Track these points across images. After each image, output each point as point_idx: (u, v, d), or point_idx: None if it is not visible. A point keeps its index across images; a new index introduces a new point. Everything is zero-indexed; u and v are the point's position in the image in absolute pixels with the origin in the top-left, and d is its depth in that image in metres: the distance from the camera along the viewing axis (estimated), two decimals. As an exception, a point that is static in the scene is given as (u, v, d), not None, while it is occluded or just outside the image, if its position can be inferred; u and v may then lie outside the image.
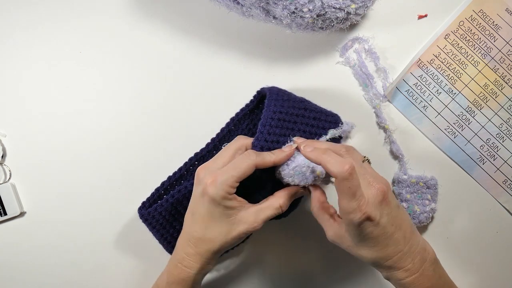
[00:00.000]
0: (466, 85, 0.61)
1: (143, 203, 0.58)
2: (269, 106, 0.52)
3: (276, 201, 0.48)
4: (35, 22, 0.60)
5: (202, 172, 0.47)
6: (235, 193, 0.47)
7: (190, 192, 0.51)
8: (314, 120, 0.54)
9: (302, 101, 0.55)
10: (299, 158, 0.48)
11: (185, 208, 0.51)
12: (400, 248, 0.45)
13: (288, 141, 0.51)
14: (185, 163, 0.58)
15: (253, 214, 0.47)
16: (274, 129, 0.51)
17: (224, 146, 0.52)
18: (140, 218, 0.56)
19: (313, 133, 0.53)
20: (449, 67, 0.60)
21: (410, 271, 0.45)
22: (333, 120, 0.55)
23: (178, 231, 0.54)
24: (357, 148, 0.61)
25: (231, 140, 0.51)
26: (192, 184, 0.51)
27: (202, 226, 0.47)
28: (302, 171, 0.48)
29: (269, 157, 0.47)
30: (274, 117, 0.51)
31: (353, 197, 0.42)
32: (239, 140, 0.50)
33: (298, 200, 0.55)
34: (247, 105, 0.59)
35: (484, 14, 0.60)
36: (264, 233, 0.58)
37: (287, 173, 0.48)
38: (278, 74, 0.61)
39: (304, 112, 0.53)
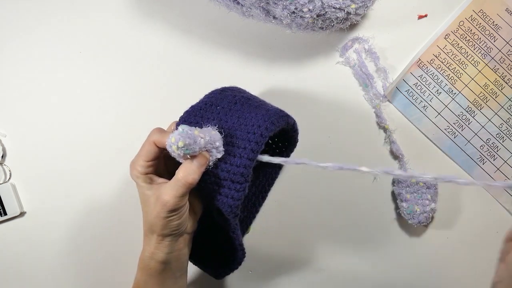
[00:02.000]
0: (466, 85, 0.61)
1: None
2: (206, 95, 0.51)
3: (178, 173, 0.45)
4: (35, 22, 0.60)
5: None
6: None
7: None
8: (249, 114, 0.48)
9: (246, 97, 0.51)
10: (201, 139, 0.44)
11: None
12: None
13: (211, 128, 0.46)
14: None
15: (167, 191, 0.45)
16: (197, 112, 0.49)
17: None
18: None
19: (242, 128, 0.48)
20: (449, 67, 0.60)
21: None
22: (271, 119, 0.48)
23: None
24: (357, 148, 0.61)
25: None
26: None
27: (143, 212, 0.48)
28: (195, 150, 0.44)
29: (167, 135, 0.45)
30: (203, 101, 0.50)
31: None
32: (152, 135, 0.48)
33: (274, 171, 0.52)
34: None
35: (484, 14, 0.60)
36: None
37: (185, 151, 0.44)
38: (278, 74, 0.61)
39: (240, 107, 0.49)
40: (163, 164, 0.50)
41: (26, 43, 0.60)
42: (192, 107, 0.51)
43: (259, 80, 0.61)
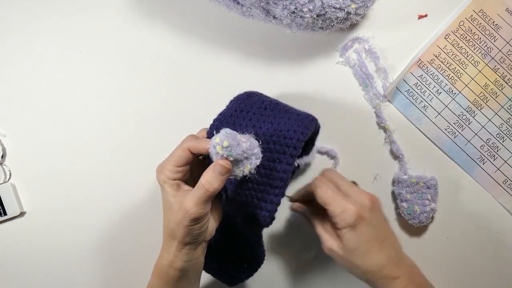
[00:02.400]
0: (466, 85, 0.61)
1: None
2: (232, 101, 0.51)
3: (201, 180, 0.45)
4: (35, 22, 0.60)
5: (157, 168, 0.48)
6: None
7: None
8: (281, 119, 0.49)
9: (274, 102, 0.52)
10: (244, 143, 0.44)
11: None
12: (391, 256, 0.47)
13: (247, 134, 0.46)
14: None
15: (189, 199, 0.45)
16: (228, 119, 0.49)
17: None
18: None
19: (273, 134, 0.49)
20: (449, 67, 0.60)
21: (404, 283, 0.47)
22: (304, 123, 0.49)
23: (210, 248, 0.52)
24: (357, 148, 0.61)
25: None
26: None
27: (164, 218, 0.47)
28: (237, 152, 0.43)
29: (205, 143, 0.45)
30: (232, 107, 0.50)
31: (338, 201, 0.46)
32: (186, 141, 0.47)
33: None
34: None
35: (484, 14, 0.59)
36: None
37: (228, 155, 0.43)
38: (278, 74, 0.61)
39: (270, 112, 0.50)
40: (189, 172, 0.49)
41: (26, 43, 0.60)
42: (222, 114, 0.51)
43: (259, 80, 0.61)
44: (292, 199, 0.55)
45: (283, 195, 0.48)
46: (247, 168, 0.45)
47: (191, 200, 0.44)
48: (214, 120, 0.51)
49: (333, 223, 0.48)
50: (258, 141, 0.46)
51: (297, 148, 0.48)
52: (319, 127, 0.54)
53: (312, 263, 0.62)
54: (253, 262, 0.55)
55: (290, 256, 0.62)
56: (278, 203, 0.47)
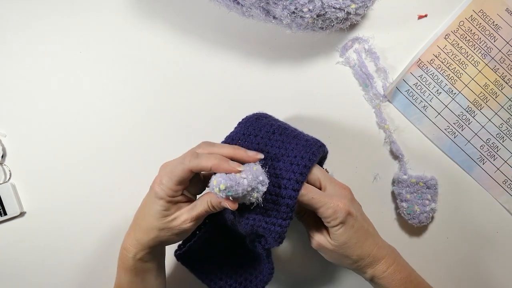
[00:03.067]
0: (466, 85, 0.61)
1: (179, 245, 0.55)
2: (241, 124, 0.51)
3: (205, 198, 0.47)
4: (35, 22, 0.60)
5: (162, 167, 0.48)
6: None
7: (219, 227, 0.53)
8: (289, 144, 0.49)
9: (283, 126, 0.51)
10: (244, 179, 0.44)
11: (219, 243, 0.54)
12: (376, 241, 0.50)
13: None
14: None
15: (186, 213, 0.47)
16: (236, 142, 0.49)
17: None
18: (178, 260, 0.55)
19: (282, 156, 0.49)
20: (449, 67, 0.60)
21: (388, 262, 0.50)
22: (311, 149, 0.49)
23: (217, 265, 0.55)
24: (357, 148, 0.61)
25: None
26: (220, 220, 0.53)
27: (142, 215, 0.49)
28: (237, 192, 0.44)
29: (206, 162, 0.44)
30: (240, 130, 0.50)
31: (326, 203, 0.47)
32: (197, 146, 0.48)
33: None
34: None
35: (484, 14, 0.59)
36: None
37: (226, 197, 0.44)
38: (278, 74, 0.61)
39: (279, 137, 0.49)
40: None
41: (26, 43, 0.60)
42: (229, 137, 0.50)
43: (259, 80, 0.61)
44: None
45: (291, 218, 0.48)
46: (254, 196, 0.45)
47: (189, 214, 0.47)
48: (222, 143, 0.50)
49: (320, 220, 0.49)
50: (264, 167, 0.46)
51: (304, 174, 0.47)
52: (327, 152, 0.53)
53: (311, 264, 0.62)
54: (261, 278, 0.55)
55: (290, 258, 0.63)
56: (287, 226, 0.47)
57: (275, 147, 0.49)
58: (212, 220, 0.54)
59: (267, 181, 0.45)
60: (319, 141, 0.50)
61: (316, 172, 0.49)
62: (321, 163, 0.55)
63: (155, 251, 0.50)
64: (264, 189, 0.45)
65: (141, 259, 0.49)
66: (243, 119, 0.51)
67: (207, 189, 0.47)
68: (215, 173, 0.45)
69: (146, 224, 0.48)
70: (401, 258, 0.52)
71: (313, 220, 0.51)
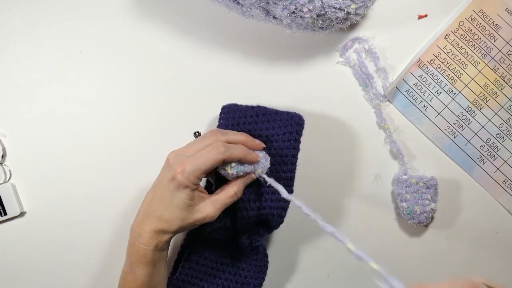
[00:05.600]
0: (466, 85, 0.61)
1: (171, 273, 0.57)
2: (225, 114, 0.54)
3: (231, 189, 0.50)
4: (35, 22, 0.60)
5: (173, 158, 0.49)
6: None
7: (204, 254, 0.55)
8: (274, 122, 0.53)
9: (262, 107, 0.55)
10: (255, 164, 0.50)
11: (207, 267, 0.55)
12: None
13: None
14: None
15: (210, 205, 0.49)
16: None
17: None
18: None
19: (269, 136, 0.53)
20: (449, 67, 0.60)
21: None
22: (292, 122, 0.54)
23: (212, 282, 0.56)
24: (357, 148, 0.61)
25: None
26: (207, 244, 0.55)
27: (161, 207, 0.48)
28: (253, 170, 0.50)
29: (237, 153, 0.48)
30: (227, 120, 0.54)
31: None
32: (214, 135, 0.50)
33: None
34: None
35: (484, 14, 0.59)
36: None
37: (236, 173, 0.50)
38: (278, 74, 0.61)
39: (263, 117, 0.53)
40: None
41: (26, 43, 0.60)
42: (220, 127, 0.54)
43: (259, 80, 0.61)
44: None
45: (292, 192, 0.52)
46: (258, 171, 0.50)
47: (214, 206, 0.49)
48: None
49: None
50: (265, 150, 0.51)
51: (296, 148, 0.52)
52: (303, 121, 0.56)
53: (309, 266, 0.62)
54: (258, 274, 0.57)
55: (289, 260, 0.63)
56: (289, 201, 0.50)
57: (264, 129, 0.53)
58: (199, 240, 0.55)
59: (268, 156, 0.51)
60: (296, 113, 0.54)
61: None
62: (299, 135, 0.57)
63: (170, 239, 0.50)
64: (268, 163, 0.51)
65: (160, 249, 0.49)
66: (223, 110, 0.54)
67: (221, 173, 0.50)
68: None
69: (169, 215, 0.47)
70: None
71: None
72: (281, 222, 0.53)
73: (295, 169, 0.53)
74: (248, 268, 0.56)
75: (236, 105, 0.54)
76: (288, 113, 0.54)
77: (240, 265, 0.56)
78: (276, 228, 0.55)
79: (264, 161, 0.50)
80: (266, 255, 0.56)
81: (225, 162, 0.49)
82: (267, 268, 0.56)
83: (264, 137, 0.53)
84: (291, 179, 0.53)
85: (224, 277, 0.56)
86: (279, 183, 0.50)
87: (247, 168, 0.49)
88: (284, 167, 0.52)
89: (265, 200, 0.52)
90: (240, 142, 0.50)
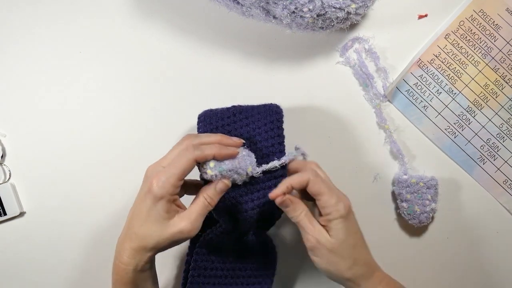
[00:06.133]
0: (466, 85, 0.61)
1: (182, 283, 0.57)
2: (202, 121, 0.53)
3: (201, 196, 0.47)
4: (35, 21, 0.60)
5: (150, 170, 0.48)
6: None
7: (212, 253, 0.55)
8: (252, 117, 0.52)
9: (236, 106, 0.54)
10: (238, 160, 0.48)
11: (216, 269, 0.55)
12: (369, 251, 0.50)
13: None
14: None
15: (185, 218, 0.46)
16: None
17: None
18: None
19: (250, 132, 0.52)
20: (450, 67, 0.60)
21: (381, 275, 0.50)
22: (270, 111, 0.53)
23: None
24: (357, 148, 0.61)
25: None
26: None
27: (139, 222, 0.46)
28: (237, 172, 0.48)
29: (209, 151, 0.46)
30: (207, 127, 0.53)
31: (332, 191, 0.47)
32: (186, 140, 0.48)
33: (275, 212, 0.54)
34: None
35: (485, 14, 0.59)
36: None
37: (219, 172, 0.47)
38: (278, 74, 0.61)
39: (240, 115, 0.52)
40: None
41: (26, 43, 0.60)
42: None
43: (259, 80, 0.61)
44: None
45: (286, 175, 0.51)
46: (249, 169, 0.49)
47: (189, 218, 0.46)
48: None
49: (321, 216, 0.48)
50: (244, 144, 0.50)
51: (281, 135, 0.52)
52: (281, 109, 0.56)
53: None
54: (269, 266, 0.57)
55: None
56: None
57: (244, 126, 0.52)
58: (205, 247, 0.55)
59: (252, 153, 0.49)
60: (272, 104, 0.53)
61: (322, 173, 0.50)
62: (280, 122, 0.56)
63: (153, 259, 0.48)
64: (254, 160, 0.49)
65: (141, 269, 0.47)
66: (199, 118, 0.53)
67: (200, 176, 0.49)
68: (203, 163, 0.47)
69: (145, 231, 0.46)
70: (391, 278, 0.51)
71: (308, 220, 0.49)
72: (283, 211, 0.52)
73: (287, 159, 0.51)
74: (258, 263, 0.56)
75: (211, 110, 0.53)
76: (264, 105, 0.53)
77: (249, 262, 0.56)
78: (278, 218, 0.54)
79: (249, 157, 0.49)
80: (274, 247, 0.56)
81: (202, 164, 0.47)
82: (276, 259, 0.56)
83: (245, 134, 0.52)
84: (283, 166, 0.51)
85: (236, 275, 0.55)
86: (273, 175, 0.50)
87: (229, 165, 0.47)
88: (273, 157, 0.51)
89: (263, 196, 0.51)
90: (214, 142, 0.48)
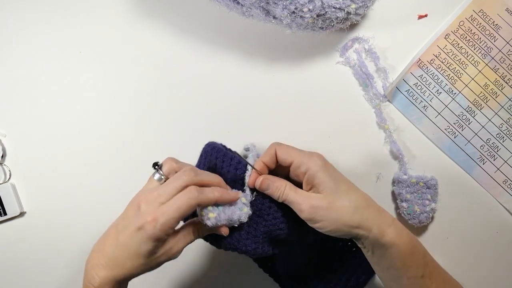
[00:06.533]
0: (466, 85, 0.61)
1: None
2: (204, 157, 0.54)
3: (188, 229, 0.47)
4: (35, 22, 0.60)
5: (143, 203, 0.44)
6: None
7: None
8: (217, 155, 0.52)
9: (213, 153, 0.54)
10: (236, 208, 0.47)
11: None
12: (366, 194, 0.49)
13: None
14: None
15: (172, 245, 0.45)
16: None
17: None
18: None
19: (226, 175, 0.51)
20: (449, 67, 0.60)
21: (397, 229, 0.47)
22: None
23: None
24: (357, 148, 0.61)
25: None
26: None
27: (125, 255, 0.44)
28: (232, 220, 0.47)
29: (212, 195, 0.45)
30: (204, 163, 0.53)
31: (302, 151, 0.48)
32: (186, 176, 0.45)
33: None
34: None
35: (484, 14, 0.59)
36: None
37: (217, 220, 0.47)
38: (278, 74, 0.61)
39: (217, 161, 0.52)
40: None
41: (26, 43, 0.60)
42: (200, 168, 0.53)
43: (259, 80, 0.61)
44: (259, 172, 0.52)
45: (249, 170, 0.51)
46: (245, 210, 0.48)
47: (177, 245, 0.46)
48: None
49: (300, 184, 0.48)
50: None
51: (227, 160, 0.51)
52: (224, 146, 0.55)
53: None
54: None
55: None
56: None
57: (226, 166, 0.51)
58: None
59: (248, 203, 0.49)
60: (205, 145, 0.54)
61: (284, 147, 0.49)
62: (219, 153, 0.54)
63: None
64: (249, 211, 0.49)
65: None
66: (207, 148, 0.53)
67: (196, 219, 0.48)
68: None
69: (131, 265, 0.44)
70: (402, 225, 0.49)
71: (294, 191, 0.47)
72: None
73: (244, 164, 0.50)
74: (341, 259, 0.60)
75: (215, 144, 0.53)
76: (204, 148, 0.54)
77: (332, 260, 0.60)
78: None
79: (240, 204, 0.48)
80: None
81: (202, 208, 0.46)
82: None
83: (223, 171, 0.51)
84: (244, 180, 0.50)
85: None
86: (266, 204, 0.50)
87: (227, 216, 0.47)
88: (242, 174, 0.50)
89: (269, 208, 0.50)
90: (215, 184, 0.47)
